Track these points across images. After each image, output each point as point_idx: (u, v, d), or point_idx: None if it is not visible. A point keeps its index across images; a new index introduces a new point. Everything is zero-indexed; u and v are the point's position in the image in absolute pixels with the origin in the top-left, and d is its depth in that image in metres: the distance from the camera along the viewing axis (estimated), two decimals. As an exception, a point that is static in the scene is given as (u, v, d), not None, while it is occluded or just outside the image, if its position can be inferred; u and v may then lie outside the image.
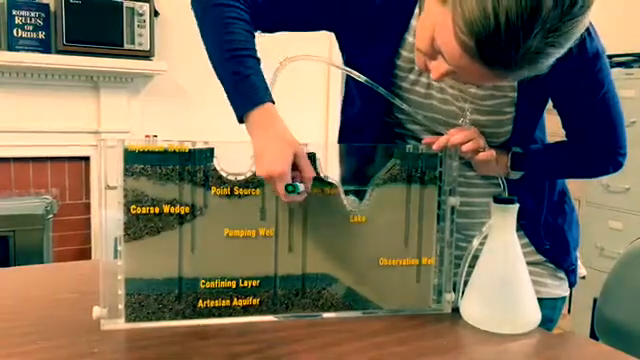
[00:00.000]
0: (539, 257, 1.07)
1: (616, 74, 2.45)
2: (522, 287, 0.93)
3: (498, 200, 0.95)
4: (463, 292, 0.98)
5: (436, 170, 0.98)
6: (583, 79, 0.92)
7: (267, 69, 0.93)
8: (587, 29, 0.79)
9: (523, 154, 1.00)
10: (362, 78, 0.96)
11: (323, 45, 2.90)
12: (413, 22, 0.96)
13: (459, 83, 0.95)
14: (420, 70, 0.94)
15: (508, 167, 1.00)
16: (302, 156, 0.86)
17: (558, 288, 1.09)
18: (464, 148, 0.95)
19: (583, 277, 1.15)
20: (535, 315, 0.94)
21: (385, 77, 0.98)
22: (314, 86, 2.92)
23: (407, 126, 1.04)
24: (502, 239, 0.94)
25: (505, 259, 0.94)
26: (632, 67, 2.67)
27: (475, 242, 0.98)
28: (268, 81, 0.90)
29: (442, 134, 0.97)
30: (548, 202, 1.07)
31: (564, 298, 1.11)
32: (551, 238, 1.07)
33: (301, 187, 0.84)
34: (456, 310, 0.98)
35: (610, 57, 2.44)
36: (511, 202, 0.94)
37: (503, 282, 0.93)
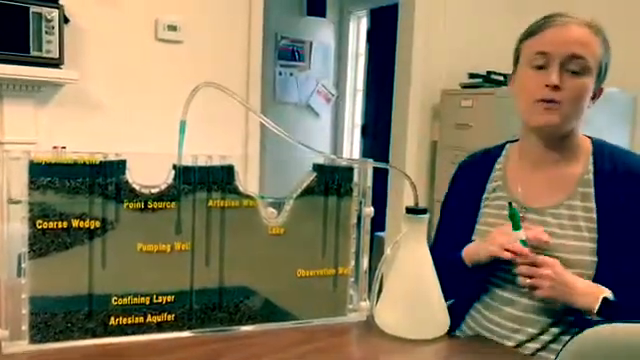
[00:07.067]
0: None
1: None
2: (432, 294, 0.97)
3: (410, 210, 0.98)
4: (377, 300, 1.00)
5: (352, 182, 1.00)
6: None
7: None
8: None
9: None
10: (278, 129, 0.93)
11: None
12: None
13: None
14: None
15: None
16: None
17: None
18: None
19: None
20: (444, 321, 0.98)
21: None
22: (233, 100, 2.90)
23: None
24: (413, 248, 0.97)
25: (415, 267, 0.97)
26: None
27: (388, 250, 1.01)
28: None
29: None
30: None
31: None
32: None
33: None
34: (372, 317, 1.01)
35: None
36: (423, 212, 0.98)
37: (413, 289, 0.97)
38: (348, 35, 4.77)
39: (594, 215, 1.02)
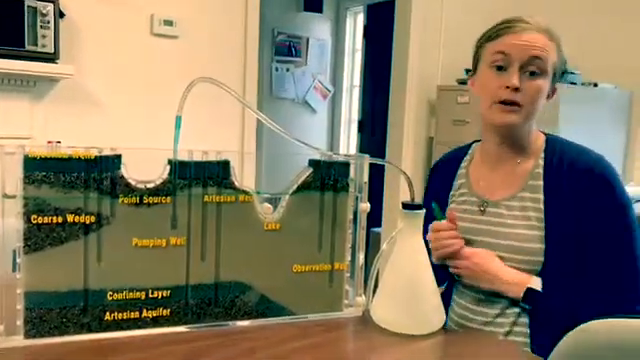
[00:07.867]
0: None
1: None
2: (427, 289, 0.97)
3: (407, 206, 0.98)
4: (374, 295, 1.01)
5: (348, 177, 1.00)
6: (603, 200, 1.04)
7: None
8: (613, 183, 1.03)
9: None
10: (275, 126, 0.95)
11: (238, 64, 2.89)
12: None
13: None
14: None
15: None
16: None
17: None
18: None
19: None
20: (440, 315, 0.98)
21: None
22: (230, 95, 2.89)
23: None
24: (409, 243, 0.98)
25: (411, 262, 0.97)
26: None
27: (384, 246, 1.01)
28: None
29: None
30: None
31: None
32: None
33: None
34: (368, 313, 1.01)
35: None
36: (419, 208, 0.98)
37: (409, 284, 0.97)
38: (345, 31, 4.77)
39: (541, 206, 1.08)
